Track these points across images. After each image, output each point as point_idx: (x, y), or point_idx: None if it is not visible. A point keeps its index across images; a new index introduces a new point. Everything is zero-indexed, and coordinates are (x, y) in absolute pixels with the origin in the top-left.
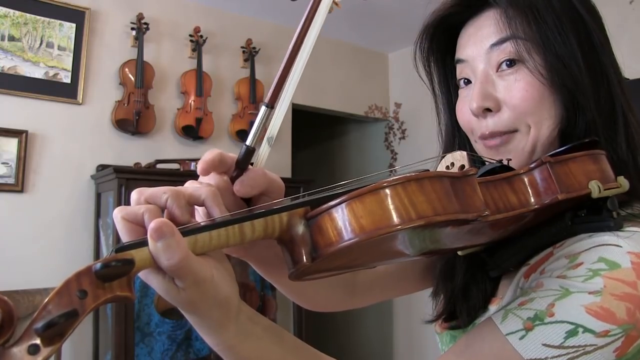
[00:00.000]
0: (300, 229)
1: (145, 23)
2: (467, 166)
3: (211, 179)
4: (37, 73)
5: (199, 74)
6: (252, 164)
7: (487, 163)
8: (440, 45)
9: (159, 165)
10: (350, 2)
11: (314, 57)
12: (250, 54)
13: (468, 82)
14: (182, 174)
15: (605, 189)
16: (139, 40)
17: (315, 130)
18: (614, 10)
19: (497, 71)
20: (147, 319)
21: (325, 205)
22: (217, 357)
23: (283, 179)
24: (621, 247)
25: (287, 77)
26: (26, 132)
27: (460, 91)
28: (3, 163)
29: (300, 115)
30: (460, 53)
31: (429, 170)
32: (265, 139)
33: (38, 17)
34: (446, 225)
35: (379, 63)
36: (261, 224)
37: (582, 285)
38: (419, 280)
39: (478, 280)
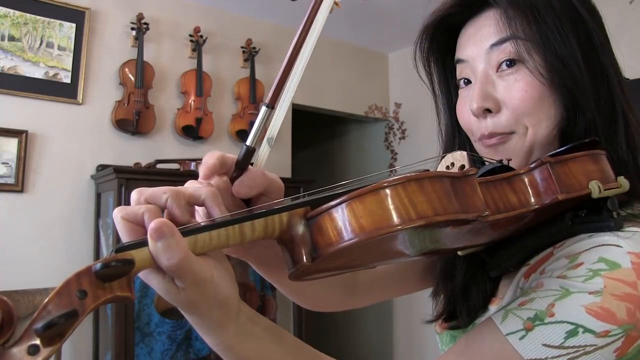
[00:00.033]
0: (300, 229)
1: (145, 23)
2: (467, 166)
3: (211, 179)
4: (37, 73)
5: (199, 74)
6: (251, 165)
7: (487, 163)
8: (440, 45)
9: (159, 165)
10: (350, 2)
11: (314, 57)
12: (250, 54)
13: (468, 82)
14: (182, 174)
15: (605, 189)
16: (139, 40)
17: (315, 130)
18: (614, 10)
19: (497, 71)
20: (147, 319)
21: (325, 205)
22: (217, 357)
23: (283, 179)
24: (621, 247)
25: (287, 78)
26: (26, 132)
27: (460, 91)
28: (3, 163)
29: (300, 115)
30: (460, 53)
31: (429, 170)
32: (265, 139)
33: (38, 17)
34: (446, 225)
35: (379, 63)
36: (261, 224)
37: (582, 285)
38: (419, 280)
39: (478, 280)
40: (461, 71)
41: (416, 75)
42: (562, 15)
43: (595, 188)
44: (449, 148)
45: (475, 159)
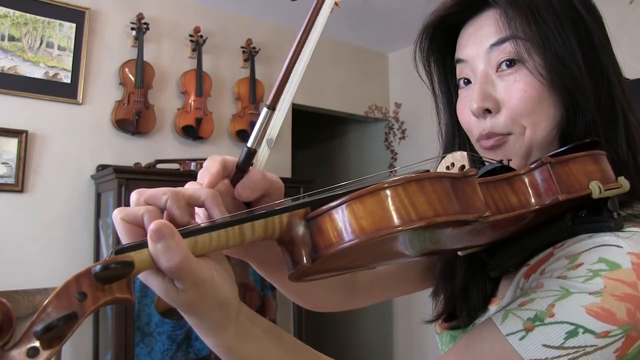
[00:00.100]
0: (301, 229)
1: (145, 23)
2: (467, 166)
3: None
4: (37, 73)
5: (199, 74)
6: (251, 166)
7: (487, 163)
8: (440, 45)
9: (159, 165)
10: (350, 2)
11: (314, 57)
12: (250, 54)
13: (468, 82)
14: (182, 174)
15: (605, 190)
16: (139, 40)
17: (315, 130)
18: (614, 10)
19: (496, 71)
20: (147, 319)
21: (325, 206)
22: (217, 358)
23: (283, 179)
24: (621, 247)
25: (288, 80)
26: (26, 132)
27: (460, 91)
28: (3, 163)
29: (300, 115)
30: (460, 53)
31: (429, 170)
32: (264, 140)
33: (38, 17)
34: (447, 226)
35: (379, 63)
36: (261, 225)
37: (582, 285)
38: (419, 281)
39: (478, 280)
40: (461, 71)
41: (416, 75)
42: (562, 15)
43: (595, 188)
44: (449, 148)
45: (476, 159)
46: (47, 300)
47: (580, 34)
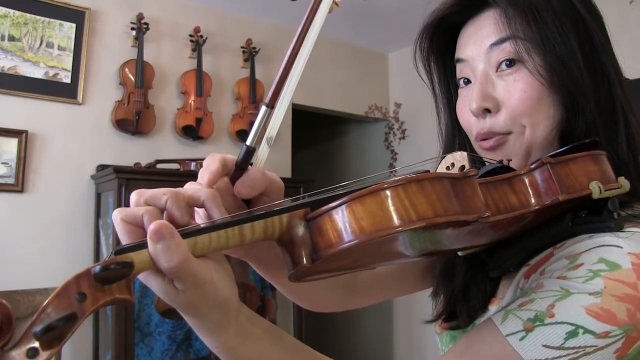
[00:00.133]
0: (300, 230)
1: (145, 23)
2: (467, 167)
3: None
4: (37, 73)
5: (199, 74)
6: (251, 165)
7: (487, 163)
8: (440, 44)
9: (159, 165)
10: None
11: (314, 57)
12: (250, 54)
13: (468, 81)
14: (182, 174)
15: (605, 190)
16: (139, 40)
17: (315, 130)
18: (614, 10)
19: (496, 71)
20: (147, 319)
21: (325, 207)
22: (217, 358)
23: (283, 179)
24: (622, 247)
25: (287, 77)
26: (26, 132)
27: (460, 91)
28: (3, 163)
29: (300, 115)
30: (460, 52)
31: (429, 171)
32: (264, 139)
33: (38, 17)
34: (447, 226)
35: (379, 63)
36: (261, 226)
37: (582, 286)
38: (419, 281)
39: (478, 280)
40: (461, 71)
41: (416, 75)
42: (562, 15)
43: (595, 189)
44: (449, 148)
45: (476, 160)
46: (46, 301)
47: (580, 34)
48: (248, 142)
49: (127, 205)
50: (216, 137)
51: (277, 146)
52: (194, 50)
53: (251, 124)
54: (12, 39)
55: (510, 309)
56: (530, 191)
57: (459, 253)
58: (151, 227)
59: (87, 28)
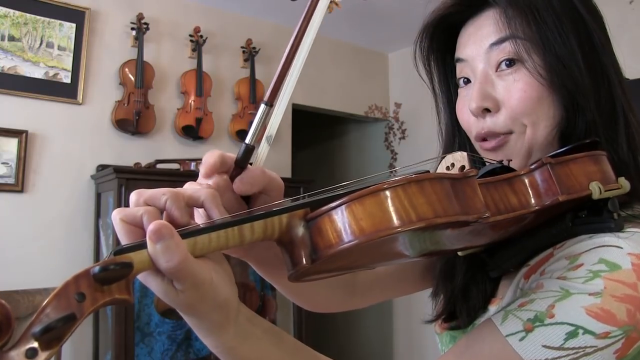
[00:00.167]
0: (300, 230)
1: (145, 23)
2: (467, 167)
3: (211, 178)
4: (37, 73)
5: (199, 74)
6: (251, 164)
7: (487, 163)
8: (440, 44)
9: (159, 165)
10: (350, 2)
11: (313, 56)
12: (250, 54)
13: (468, 81)
14: (182, 174)
15: (606, 190)
16: (139, 40)
17: (315, 130)
18: (614, 10)
19: (496, 71)
20: (147, 319)
21: (325, 207)
22: (217, 358)
23: (283, 179)
24: (622, 248)
25: (285, 76)
26: (26, 132)
27: (460, 90)
28: (3, 163)
29: (300, 115)
30: (460, 52)
31: (429, 171)
32: (264, 137)
33: (38, 17)
34: (446, 227)
35: (379, 63)
36: (260, 226)
37: (582, 286)
38: (419, 281)
39: (478, 280)
40: (461, 70)
41: (416, 75)
42: (562, 15)
43: (595, 189)
44: (449, 147)
45: (476, 160)
46: (45, 301)
47: (580, 34)
48: (247, 140)
49: (127, 205)
50: (216, 137)
51: (277, 146)
52: (194, 50)
53: (251, 123)
54: (12, 39)
55: (510, 309)
56: (530, 191)
57: (459, 253)
58: (150, 227)
59: (87, 28)
